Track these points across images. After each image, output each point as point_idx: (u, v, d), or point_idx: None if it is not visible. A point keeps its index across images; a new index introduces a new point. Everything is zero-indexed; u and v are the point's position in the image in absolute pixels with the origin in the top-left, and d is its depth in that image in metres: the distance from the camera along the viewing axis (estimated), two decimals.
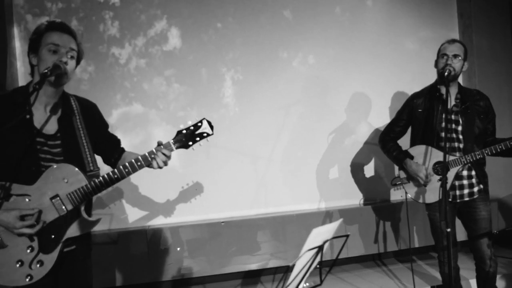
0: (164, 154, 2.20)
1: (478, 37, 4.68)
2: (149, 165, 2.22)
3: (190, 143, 2.21)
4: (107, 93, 4.04)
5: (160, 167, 2.22)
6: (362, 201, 4.55)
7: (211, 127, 2.22)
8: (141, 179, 3.97)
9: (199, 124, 2.21)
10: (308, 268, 1.56)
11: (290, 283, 1.43)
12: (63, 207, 2.08)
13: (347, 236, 1.80)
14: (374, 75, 4.56)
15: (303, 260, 1.45)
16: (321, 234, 1.49)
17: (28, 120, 2.10)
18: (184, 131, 2.21)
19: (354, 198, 4.53)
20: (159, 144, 2.22)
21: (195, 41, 4.23)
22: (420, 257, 4.44)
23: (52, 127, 2.17)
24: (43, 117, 2.16)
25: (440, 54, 3.09)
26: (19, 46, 3.86)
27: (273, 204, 4.36)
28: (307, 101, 4.47)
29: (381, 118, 4.47)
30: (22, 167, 2.05)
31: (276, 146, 4.39)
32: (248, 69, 4.33)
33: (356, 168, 4.53)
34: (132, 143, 4.01)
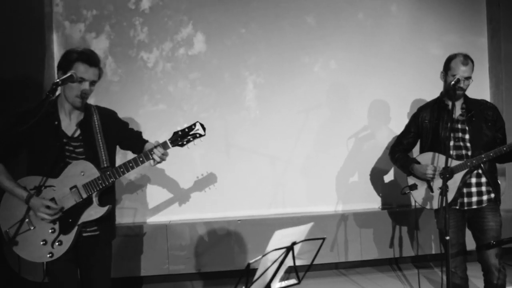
0: (159, 151, 2.53)
1: (507, 43, 4.56)
2: (149, 160, 2.56)
3: (185, 142, 2.56)
4: (135, 94, 4.31)
5: (158, 162, 2.57)
6: (380, 206, 4.57)
7: (204, 129, 2.57)
8: (164, 174, 4.22)
9: (193, 126, 2.57)
10: (277, 268, 1.69)
11: (254, 282, 1.56)
12: (79, 195, 2.47)
13: (323, 239, 1.91)
14: (396, 81, 4.57)
15: (267, 261, 1.58)
16: (287, 236, 1.62)
17: (57, 125, 2.53)
18: (180, 132, 2.57)
19: (371, 202, 4.56)
20: (157, 143, 2.56)
21: (219, 46, 4.42)
22: (437, 264, 4.42)
23: (75, 132, 2.58)
24: (67, 123, 2.58)
25: (452, 73, 3.08)
26: (57, 50, 4.19)
27: (290, 204, 4.49)
28: (328, 105, 4.55)
29: (402, 123, 4.42)
30: (54, 163, 2.45)
31: (295, 148, 4.50)
32: (269, 73, 4.48)
33: (376, 173, 4.56)
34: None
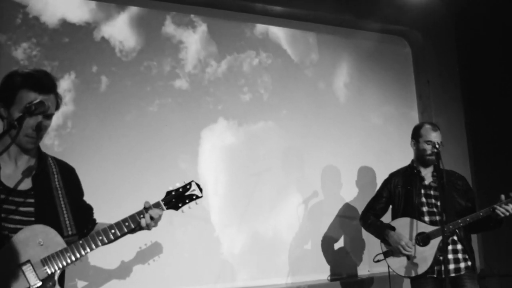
0: (153, 214, 2.07)
1: (437, 118, 4.93)
2: (137, 226, 2.05)
3: (180, 204, 2.15)
4: None
5: (149, 228, 2.10)
6: (329, 276, 4.39)
7: (200, 189, 2.19)
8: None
9: (188, 186, 2.17)
10: None
11: None
12: (36, 276, 1.80)
13: None
14: (343, 147, 4.62)
15: None
16: None
17: None
18: (174, 193, 2.15)
19: (322, 273, 4.36)
20: (148, 204, 2.09)
21: None
22: None
23: (24, 184, 1.92)
24: (12, 171, 1.91)
25: (424, 140, 3.20)
26: None
27: (240, 278, 4.10)
28: (279, 171, 4.38)
29: (352, 190, 4.50)
30: None
31: (244, 216, 4.20)
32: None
33: (326, 242, 4.42)
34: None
